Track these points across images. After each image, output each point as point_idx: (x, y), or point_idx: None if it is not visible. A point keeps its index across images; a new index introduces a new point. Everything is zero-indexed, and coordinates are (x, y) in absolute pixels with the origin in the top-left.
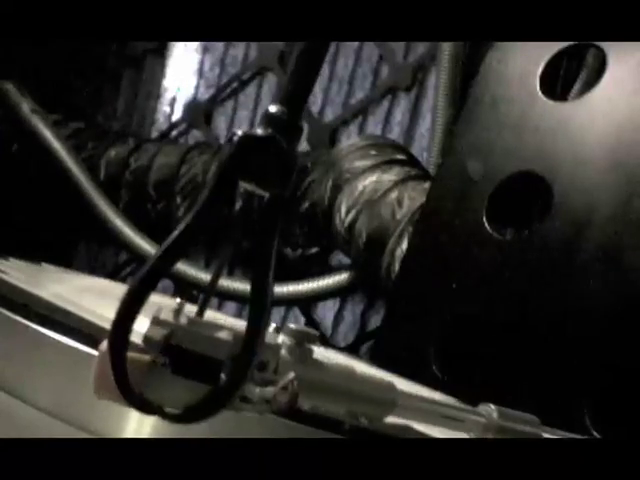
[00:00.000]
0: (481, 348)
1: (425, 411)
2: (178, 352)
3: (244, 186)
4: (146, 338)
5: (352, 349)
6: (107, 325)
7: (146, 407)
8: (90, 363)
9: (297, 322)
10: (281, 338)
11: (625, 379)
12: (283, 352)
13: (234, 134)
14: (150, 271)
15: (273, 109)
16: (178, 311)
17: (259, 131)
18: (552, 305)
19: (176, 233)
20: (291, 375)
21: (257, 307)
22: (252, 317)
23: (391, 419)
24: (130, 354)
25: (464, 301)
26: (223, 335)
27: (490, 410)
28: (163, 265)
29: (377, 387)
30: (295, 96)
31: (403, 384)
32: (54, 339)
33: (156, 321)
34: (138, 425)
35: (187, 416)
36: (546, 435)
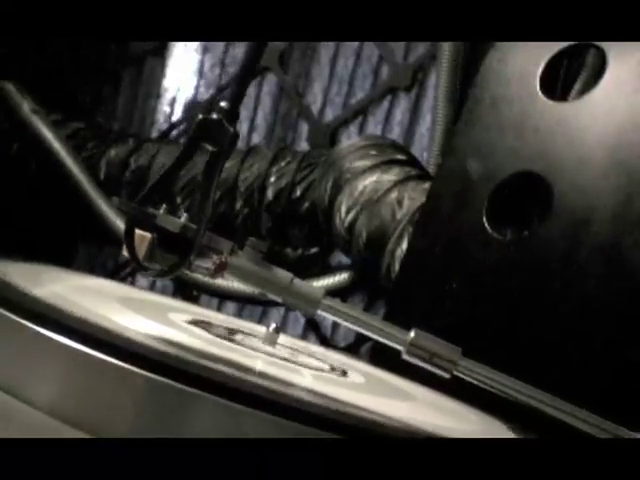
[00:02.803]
0: (481, 348)
1: (350, 316)
2: (162, 231)
3: (205, 146)
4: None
5: (352, 349)
6: (107, 324)
7: (140, 266)
8: (90, 363)
9: (297, 322)
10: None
11: (625, 379)
12: (240, 253)
13: (200, 117)
14: (143, 197)
15: (222, 104)
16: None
17: (214, 116)
18: (552, 305)
19: (162, 172)
20: (227, 256)
21: (202, 212)
22: (198, 221)
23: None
24: (138, 232)
25: (464, 301)
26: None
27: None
28: (150, 195)
29: (307, 286)
30: (234, 95)
31: (403, 384)
32: (54, 339)
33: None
34: (137, 425)
35: (160, 274)
36: (462, 362)
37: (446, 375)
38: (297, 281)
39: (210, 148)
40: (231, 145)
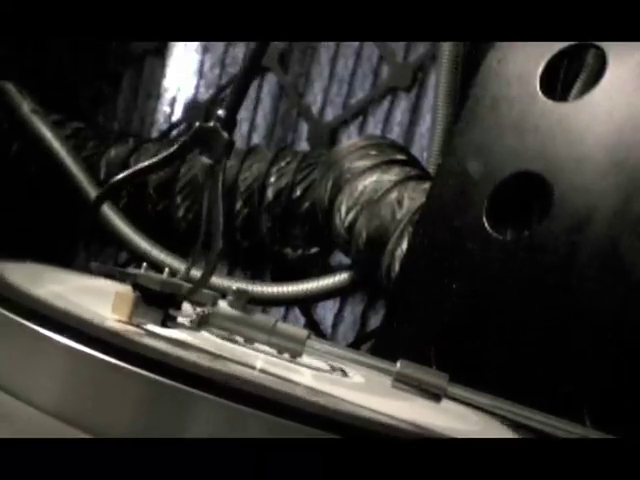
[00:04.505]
0: (481, 348)
1: (337, 354)
2: (143, 289)
3: (201, 158)
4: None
5: (352, 349)
6: (107, 324)
7: (127, 322)
8: (90, 363)
9: (297, 322)
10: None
11: (625, 380)
12: (223, 302)
13: (196, 124)
14: (117, 182)
15: (219, 112)
16: (146, 268)
17: (210, 124)
18: (552, 305)
19: (147, 163)
20: (208, 308)
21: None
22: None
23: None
24: (119, 292)
25: (464, 301)
26: (171, 280)
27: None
28: (124, 183)
29: (291, 328)
30: (231, 104)
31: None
32: (54, 339)
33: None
34: (138, 425)
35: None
36: (450, 389)
37: (437, 401)
38: (280, 324)
39: (205, 160)
40: (227, 152)
